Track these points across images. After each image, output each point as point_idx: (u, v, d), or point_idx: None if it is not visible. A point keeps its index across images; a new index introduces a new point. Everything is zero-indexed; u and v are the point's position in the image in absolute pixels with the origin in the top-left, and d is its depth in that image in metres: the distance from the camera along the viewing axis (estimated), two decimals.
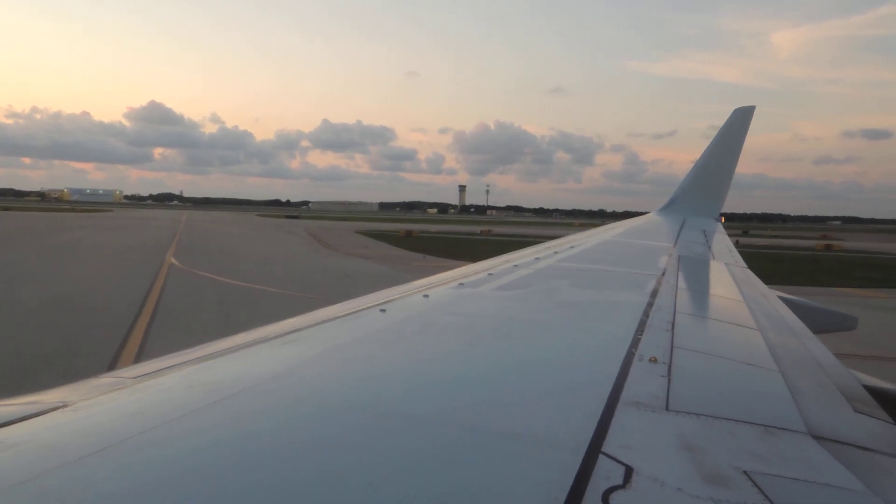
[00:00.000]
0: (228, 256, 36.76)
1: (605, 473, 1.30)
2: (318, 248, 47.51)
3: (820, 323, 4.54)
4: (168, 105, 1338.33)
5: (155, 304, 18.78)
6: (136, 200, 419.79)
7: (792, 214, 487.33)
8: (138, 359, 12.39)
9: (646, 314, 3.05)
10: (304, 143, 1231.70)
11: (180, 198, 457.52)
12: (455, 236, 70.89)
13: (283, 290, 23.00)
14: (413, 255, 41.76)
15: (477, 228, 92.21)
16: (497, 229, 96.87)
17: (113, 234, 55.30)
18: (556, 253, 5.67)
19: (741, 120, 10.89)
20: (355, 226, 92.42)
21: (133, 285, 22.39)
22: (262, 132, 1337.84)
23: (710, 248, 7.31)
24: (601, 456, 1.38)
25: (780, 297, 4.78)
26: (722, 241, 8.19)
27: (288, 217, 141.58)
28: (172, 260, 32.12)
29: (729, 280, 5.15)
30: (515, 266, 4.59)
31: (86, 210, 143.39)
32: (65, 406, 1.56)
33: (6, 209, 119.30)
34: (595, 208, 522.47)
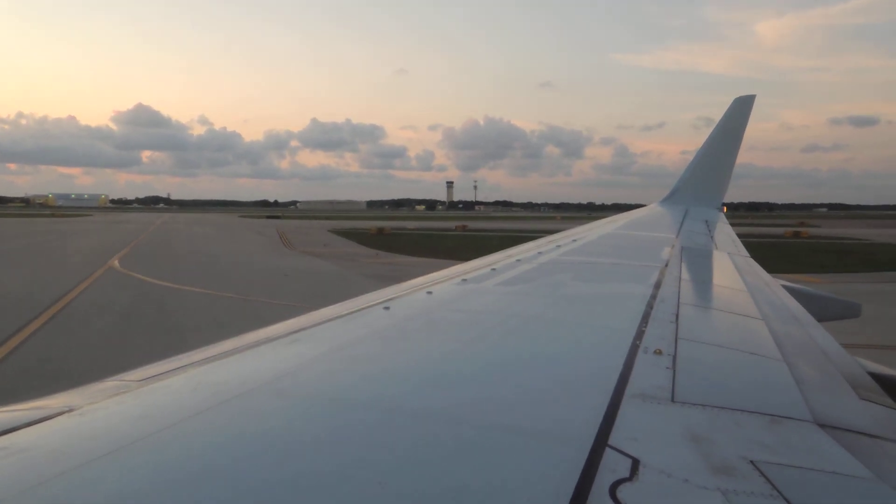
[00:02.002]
0: (176, 258, 36.70)
1: (612, 466, 1.30)
2: (276, 247, 47.46)
3: (823, 311, 4.54)
4: (155, 108, 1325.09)
5: (61, 307, 18.75)
6: (122, 204, 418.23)
7: (779, 203, 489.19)
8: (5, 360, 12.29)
9: (650, 306, 3.04)
10: (294, 143, 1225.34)
11: (167, 200, 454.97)
12: (427, 233, 70.92)
13: (207, 289, 23.02)
14: (369, 252, 41.74)
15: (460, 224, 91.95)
16: (477, 224, 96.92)
17: (75, 238, 54.98)
18: (558, 247, 5.62)
19: (742, 109, 10.81)
20: (334, 224, 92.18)
21: (53, 289, 22.30)
22: (251, 133, 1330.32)
23: (712, 238, 7.29)
24: (608, 449, 1.39)
25: (784, 286, 4.77)
26: (724, 231, 8.14)
27: (269, 217, 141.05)
28: (115, 262, 32.01)
29: (732, 270, 5.11)
30: (518, 261, 4.58)
31: (65, 215, 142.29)
32: (71, 410, 1.55)
33: None
34: (584, 201, 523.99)
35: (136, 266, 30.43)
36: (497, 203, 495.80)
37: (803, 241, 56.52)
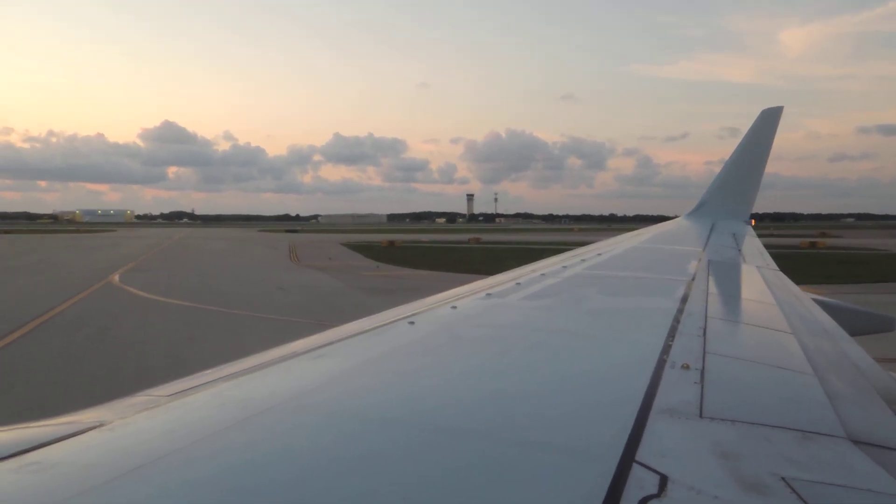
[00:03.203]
0: (178, 272, 37.19)
1: (640, 483, 1.29)
2: (282, 261, 47.85)
3: (856, 325, 4.48)
4: (181, 124, 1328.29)
5: (45, 319, 19.09)
6: (146, 220, 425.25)
7: (805, 213, 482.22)
8: None
9: (676, 320, 3.02)
10: (317, 158, 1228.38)
11: (191, 216, 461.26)
12: (438, 245, 70.95)
13: (195, 303, 23.33)
14: (371, 265, 41.89)
15: (474, 236, 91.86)
16: (492, 237, 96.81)
17: (90, 253, 55.99)
18: (583, 261, 5.62)
19: (769, 121, 10.71)
20: (349, 238, 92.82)
21: (42, 303, 22.71)
22: (275, 148, 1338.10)
23: (740, 251, 7.21)
24: (635, 465, 1.37)
25: (814, 300, 4.73)
26: (752, 244, 8.03)
27: (287, 231, 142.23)
28: (115, 277, 32.46)
29: (760, 283, 5.06)
30: (543, 275, 4.59)
31: (90, 231, 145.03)
32: (101, 425, 1.58)
33: (6, 232, 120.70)
34: (606, 213, 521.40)
35: (134, 280, 30.87)
36: (518, 215, 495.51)
37: (816, 251, 55.59)
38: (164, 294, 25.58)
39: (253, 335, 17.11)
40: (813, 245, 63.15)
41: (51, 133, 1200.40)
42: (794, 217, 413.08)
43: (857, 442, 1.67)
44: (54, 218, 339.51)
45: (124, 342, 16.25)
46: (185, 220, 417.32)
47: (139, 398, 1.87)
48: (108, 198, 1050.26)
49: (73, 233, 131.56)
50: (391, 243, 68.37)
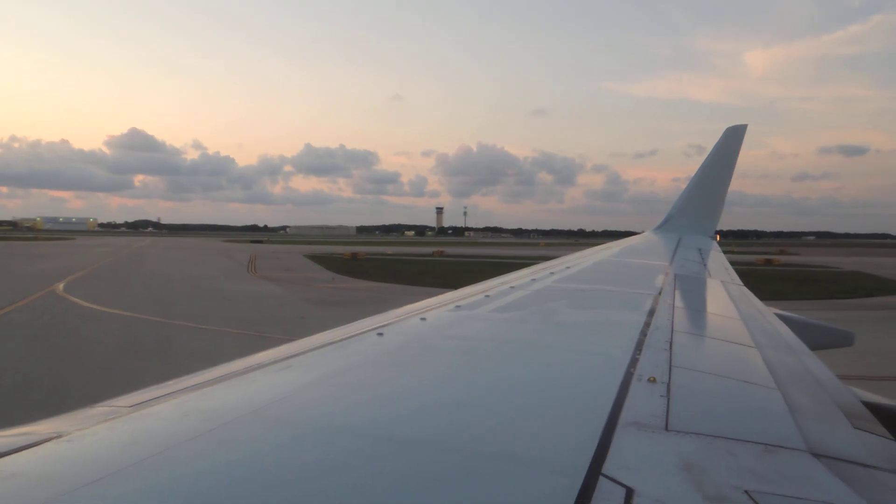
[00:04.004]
0: (128, 282, 36.61)
1: (606, 495, 1.29)
2: (238, 272, 47.32)
3: (817, 339, 4.54)
4: (149, 132, 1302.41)
5: None
6: (110, 228, 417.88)
7: (768, 231, 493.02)
8: None
9: (643, 334, 3.04)
10: (287, 168, 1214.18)
11: (157, 224, 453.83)
12: (401, 258, 70.82)
13: (135, 312, 22.93)
14: (327, 277, 41.63)
15: (438, 249, 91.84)
16: (456, 250, 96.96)
17: (41, 260, 54.66)
18: (552, 273, 5.63)
19: (733, 138, 10.88)
20: (314, 249, 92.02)
21: None
22: (245, 158, 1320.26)
23: (705, 266, 7.32)
24: (601, 478, 1.39)
25: (777, 314, 4.79)
26: (717, 259, 8.12)
27: (253, 242, 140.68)
28: (60, 286, 31.73)
29: (725, 298, 5.13)
30: (512, 287, 4.60)
31: (48, 238, 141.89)
32: (60, 436, 1.54)
33: None
34: (575, 228, 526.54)
35: (78, 290, 30.23)
36: (487, 229, 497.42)
37: (770, 268, 56.64)
38: (106, 304, 25.07)
39: (184, 346, 16.82)
40: (769, 262, 64.42)
41: (13, 138, 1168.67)
42: (758, 234, 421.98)
43: (817, 455, 1.69)
44: (14, 224, 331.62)
45: (50, 351, 15.87)
46: (149, 228, 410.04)
47: (100, 409, 1.83)
48: (71, 205, 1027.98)
49: (31, 240, 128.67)
50: (354, 255, 68.06)
